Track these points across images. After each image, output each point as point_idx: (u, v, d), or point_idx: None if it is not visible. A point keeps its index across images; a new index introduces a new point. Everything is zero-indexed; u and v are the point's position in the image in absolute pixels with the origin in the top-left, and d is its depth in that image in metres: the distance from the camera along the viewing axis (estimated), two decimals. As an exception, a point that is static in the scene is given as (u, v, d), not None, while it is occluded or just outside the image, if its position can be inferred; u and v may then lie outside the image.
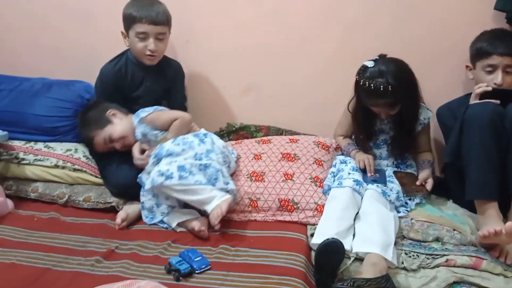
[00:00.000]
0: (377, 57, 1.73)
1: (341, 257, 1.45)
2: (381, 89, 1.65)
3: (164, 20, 1.90)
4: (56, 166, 1.93)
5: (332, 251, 1.44)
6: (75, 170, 1.92)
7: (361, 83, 1.70)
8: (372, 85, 1.66)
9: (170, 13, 1.93)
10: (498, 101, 1.60)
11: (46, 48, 2.31)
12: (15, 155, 1.94)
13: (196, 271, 1.41)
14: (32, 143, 2.00)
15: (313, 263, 1.49)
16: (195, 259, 1.44)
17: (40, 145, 1.99)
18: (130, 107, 1.97)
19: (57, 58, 2.30)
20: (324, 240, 1.45)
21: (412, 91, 1.74)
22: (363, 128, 1.87)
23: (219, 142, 1.83)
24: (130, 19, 1.89)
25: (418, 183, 1.74)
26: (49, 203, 1.88)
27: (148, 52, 1.90)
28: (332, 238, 1.45)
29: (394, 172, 1.81)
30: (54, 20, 2.28)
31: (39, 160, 1.94)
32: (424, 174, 1.77)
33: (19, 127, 2.01)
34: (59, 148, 1.98)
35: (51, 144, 2.00)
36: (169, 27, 1.95)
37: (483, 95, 1.65)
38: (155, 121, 1.86)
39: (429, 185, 1.73)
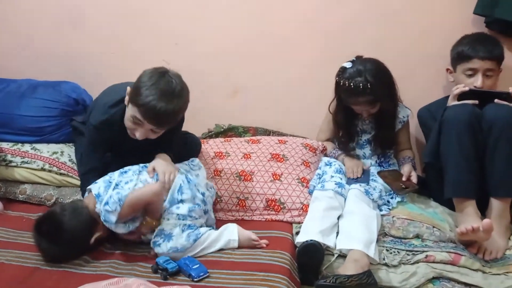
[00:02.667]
0: (354, 58, 1.79)
1: (321, 256, 1.50)
2: (360, 87, 1.70)
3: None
4: (43, 169, 1.94)
5: (312, 252, 1.49)
6: (61, 174, 1.94)
7: (341, 84, 1.76)
8: (351, 84, 1.72)
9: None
10: (476, 101, 1.65)
11: (34, 50, 2.32)
12: (3, 158, 1.95)
13: (195, 279, 1.39)
14: (19, 145, 2.01)
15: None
16: (193, 267, 1.42)
17: (27, 147, 2.00)
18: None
19: (45, 60, 2.31)
20: (304, 242, 1.51)
21: (390, 88, 1.81)
22: (344, 129, 1.92)
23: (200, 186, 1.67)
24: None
25: (404, 178, 1.79)
26: (38, 205, 1.89)
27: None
28: (311, 240, 1.51)
29: (378, 173, 1.86)
30: (42, 23, 2.29)
31: (26, 162, 1.95)
32: (406, 168, 1.83)
33: (6, 128, 2.03)
34: (46, 150, 1.99)
35: (38, 146, 2.01)
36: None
37: (461, 96, 1.70)
38: (130, 214, 1.54)
39: (414, 178, 1.78)
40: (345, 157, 1.91)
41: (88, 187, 1.60)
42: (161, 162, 1.63)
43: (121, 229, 1.51)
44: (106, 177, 1.61)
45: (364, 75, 1.71)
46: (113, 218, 1.47)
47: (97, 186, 1.57)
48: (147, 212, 1.55)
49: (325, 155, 2.03)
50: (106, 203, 1.48)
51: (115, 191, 1.51)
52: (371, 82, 1.70)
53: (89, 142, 1.73)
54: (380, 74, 1.75)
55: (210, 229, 1.59)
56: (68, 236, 1.47)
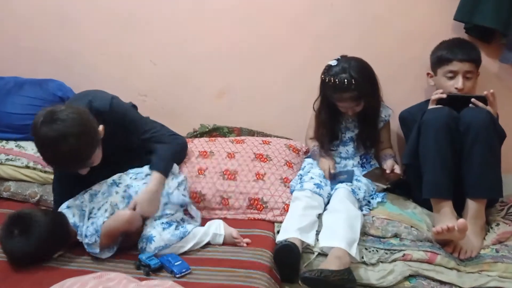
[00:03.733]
0: (339, 57, 1.84)
1: (296, 255, 1.52)
2: (345, 83, 1.76)
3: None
4: (27, 167, 1.95)
5: (286, 253, 1.51)
6: (45, 172, 1.95)
7: (326, 81, 1.81)
8: (336, 80, 1.77)
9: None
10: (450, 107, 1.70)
11: (22, 48, 2.32)
12: (-13, 155, 1.96)
13: (177, 275, 1.41)
14: (3, 142, 2.02)
15: None
16: (175, 264, 1.44)
17: (11, 144, 2.01)
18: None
19: (33, 58, 2.31)
20: (279, 244, 1.55)
21: (373, 85, 1.86)
22: (328, 127, 1.95)
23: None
24: None
25: (388, 171, 1.83)
26: (22, 202, 1.91)
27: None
28: (286, 241, 1.54)
29: (364, 175, 1.89)
30: (31, 22, 2.29)
31: (11, 160, 1.96)
32: (388, 163, 1.87)
33: (-9, 125, 2.03)
34: (31, 148, 1.99)
35: (22, 143, 2.02)
36: None
37: (439, 101, 1.74)
38: (110, 243, 1.55)
39: (397, 169, 1.82)
40: (320, 158, 1.93)
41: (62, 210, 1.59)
42: (144, 202, 1.58)
43: (107, 254, 1.54)
44: (77, 201, 1.61)
45: (349, 72, 1.77)
46: (96, 249, 1.51)
47: (71, 213, 1.58)
48: (126, 235, 1.58)
49: (307, 156, 2.06)
50: (86, 236, 1.52)
51: (90, 221, 1.55)
52: (355, 78, 1.76)
53: (55, 177, 1.74)
54: (364, 71, 1.81)
55: (196, 226, 1.62)
56: (37, 243, 1.45)
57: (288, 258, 1.52)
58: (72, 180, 1.63)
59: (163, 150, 1.73)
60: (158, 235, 1.54)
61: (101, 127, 1.55)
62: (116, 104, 1.66)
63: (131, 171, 1.71)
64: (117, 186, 1.65)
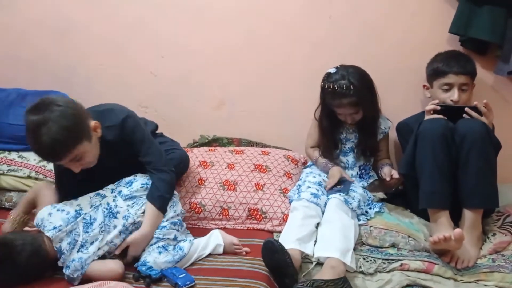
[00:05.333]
0: (338, 66, 1.89)
1: (282, 255, 1.47)
2: (344, 88, 1.80)
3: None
4: (29, 177, 1.97)
5: (270, 251, 1.49)
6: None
7: (325, 87, 1.85)
8: (336, 86, 1.82)
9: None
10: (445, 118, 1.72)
11: (23, 60, 2.35)
12: (-11, 165, 1.97)
13: None
14: (6, 153, 2.04)
15: None
16: (180, 276, 1.43)
17: (14, 155, 2.03)
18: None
19: (34, 70, 2.34)
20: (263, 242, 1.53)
21: (371, 92, 1.89)
22: (329, 135, 1.97)
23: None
24: None
25: (387, 179, 1.85)
26: (23, 212, 1.91)
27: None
28: (268, 239, 1.53)
29: (366, 188, 1.91)
30: (31, 34, 2.32)
31: (13, 170, 1.97)
32: (385, 170, 1.90)
33: (-6, 136, 2.05)
34: (32, 158, 2.01)
35: (24, 154, 2.03)
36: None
37: (435, 112, 1.76)
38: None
39: (395, 174, 1.85)
40: (332, 167, 1.94)
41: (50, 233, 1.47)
42: (138, 245, 1.55)
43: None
44: (69, 226, 1.49)
45: (348, 78, 1.82)
46: (75, 282, 1.44)
47: (58, 238, 1.46)
48: None
49: (305, 167, 2.08)
50: (68, 267, 1.44)
51: (78, 255, 1.46)
52: (354, 84, 1.81)
53: (55, 172, 1.72)
54: (362, 78, 1.86)
55: (192, 242, 1.60)
56: (18, 271, 1.40)
57: (273, 256, 1.48)
58: (70, 178, 1.59)
59: (160, 183, 1.64)
60: (153, 261, 1.50)
61: (93, 123, 1.52)
62: (129, 122, 1.63)
63: (125, 191, 1.61)
64: (115, 217, 1.55)
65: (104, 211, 1.55)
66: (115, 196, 1.60)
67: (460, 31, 1.94)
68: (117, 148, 1.60)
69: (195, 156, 2.07)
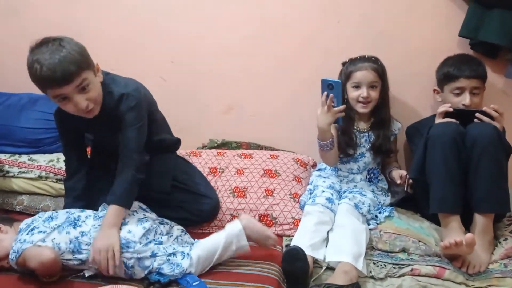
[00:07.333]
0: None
1: (304, 264, 1.49)
2: (366, 56, 1.89)
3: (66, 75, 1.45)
4: (40, 177, 1.98)
5: (294, 258, 1.49)
6: (57, 180, 1.97)
7: (347, 61, 1.93)
8: (358, 56, 1.91)
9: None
10: (457, 121, 1.72)
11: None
12: (1, 168, 1.99)
13: None
14: (16, 156, 2.05)
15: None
16: (193, 283, 1.43)
17: (24, 158, 2.05)
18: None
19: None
20: (286, 248, 1.54)
21: (386, 77, 1.92)
22: (345, 132, 1.92)
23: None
24: None
25: (398, 182, 1.83)
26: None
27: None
28: (294, 245, 1.53)
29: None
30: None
31: (24, 172, 1.99)
32: (394, 174, 1.88)
33: (5, 140, 2.07)
34: (42, 159, 2.03)
35: (34, 156, 2.05)
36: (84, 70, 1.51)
37: (446, 115, 1.76)
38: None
39: (403, 173, 1.83)
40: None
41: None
42: (100, 240, 1.47)
43: None
44: (67, 234, 1.50)
45: (371, 57, 1.90)
46: (14, 266, 1.46)
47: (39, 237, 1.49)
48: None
49: (315, 170, 2.06)
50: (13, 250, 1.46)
51: (23, 237, 1.49)
52: (376, 59, 1.90)
53: (59, 136, 1.77)
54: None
55: (190, 261, 1.51)
56: None
57: (296, 264, 1.48)
58: (77, 147, 1.70)
59: (124, 178, 1.58)
60: (166, 268, 1.49)
61: (96, 63, 1.56)
62: (131, 99, 1.61)
63: (101, 214, 1.59)
64: (74, 227, 1.53)
65: (69, 217, 1.56)
66: (90, 215, 1.58)
67: (470, 35, 1.93)
68: (113, 118, 1.58)
69: (204, 161, 2.08)
